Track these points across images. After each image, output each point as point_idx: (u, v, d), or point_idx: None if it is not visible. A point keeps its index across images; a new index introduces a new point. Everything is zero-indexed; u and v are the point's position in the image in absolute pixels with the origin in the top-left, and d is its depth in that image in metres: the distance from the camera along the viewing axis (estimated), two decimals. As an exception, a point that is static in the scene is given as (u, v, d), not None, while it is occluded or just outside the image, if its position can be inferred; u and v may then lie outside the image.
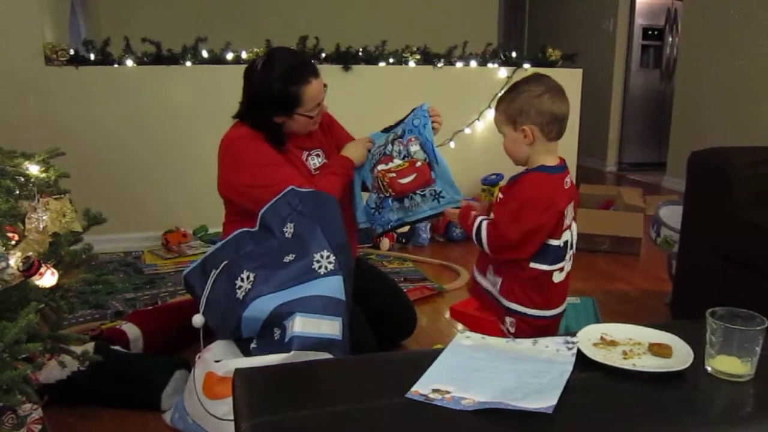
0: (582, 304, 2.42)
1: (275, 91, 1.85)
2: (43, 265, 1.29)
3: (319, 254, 1.70)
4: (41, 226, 1.37)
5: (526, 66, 3.93)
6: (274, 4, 5.30)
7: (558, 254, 1.57)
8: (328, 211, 1.78)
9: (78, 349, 1.57)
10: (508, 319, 1.61)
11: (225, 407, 1.56)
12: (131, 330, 2.08)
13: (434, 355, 1.21)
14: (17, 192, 1.38)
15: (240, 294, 1.72)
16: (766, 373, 1.11)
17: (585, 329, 1.28)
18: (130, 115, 3.38)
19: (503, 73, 3.92)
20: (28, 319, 1.18)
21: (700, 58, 4.83)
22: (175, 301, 2.60)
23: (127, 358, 1.94)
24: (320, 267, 1.69)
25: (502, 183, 3.70)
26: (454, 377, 1.12)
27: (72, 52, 3.23)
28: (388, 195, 1.95)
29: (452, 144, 3.86)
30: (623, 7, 5.90)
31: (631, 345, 1.23)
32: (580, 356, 1.17)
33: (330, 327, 1.63)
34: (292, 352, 1.57)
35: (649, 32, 5.95)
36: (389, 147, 1.99)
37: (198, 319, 1.79)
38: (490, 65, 3.94)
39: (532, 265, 1.56)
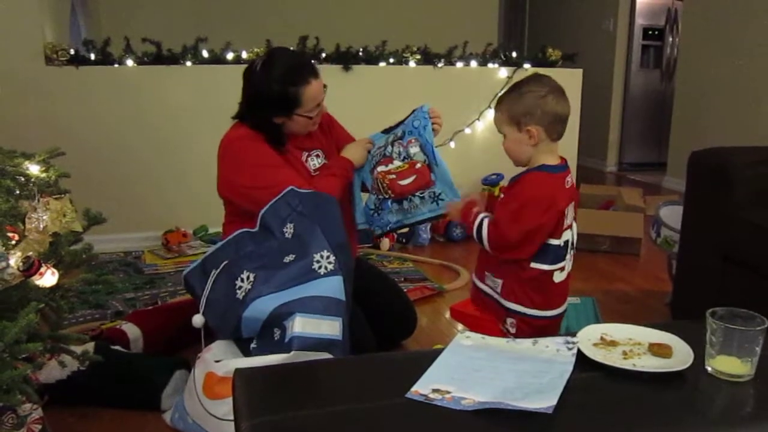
0: (582, 304, 2.42)
1: (275, 91, 1.85)
2: (43, 264, 1.29)
3: (319, 254, 1.70)
4: (41, 226, 1.37)
5: (527, 66, 3.93)
6: (274, 4, 5.30)
7: (558, 254, 1.58)
8: (328, 211, 1.78)
9: (78, 349, 1.58)
10: (508, 320, 1.61)
11: (225, 407, 1.56)
12: (131, 330, 2.08)
13: (434, 355, 1.21)
14: (17, 192, 1.38)
15: (240, 294, 1.72)
16: (766, 374, 1.11)
17: (585, 329, 1.28)
18: (130, 115, 3.38)
19: (503, 73, 3.92)
20: (28, 319, 1.18)
21: (701, 58, 4.83)
22: (175, 301, 2.60)
23: (127, 358, 1.94)
24: (320, 267, 1.69)
25: (503, 183, 3.70)
26: (454, 377, 1.12)
27: (72, 52, 3.23)
28: (387, 197, 1.95)
29: (452, 144, 3.86)
30: (623, 7, 5.90)
31: (631, 345, 1.23)
32: (580, 356, 1.17)
33: (330, 327, 1.63)
34: (292, 353, 1.57)
35: (650, 32, 5.95)
36: (389, 148, 1.99)
37: (198, 319, 1.79)
38: (490, 65, 3.94)
39: (533, 265, 1.56)
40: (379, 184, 1.96)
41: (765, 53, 4.26)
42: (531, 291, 1.58)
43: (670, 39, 5.97)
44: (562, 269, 1.60)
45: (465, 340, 1.29)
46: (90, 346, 1.75)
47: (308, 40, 3.49)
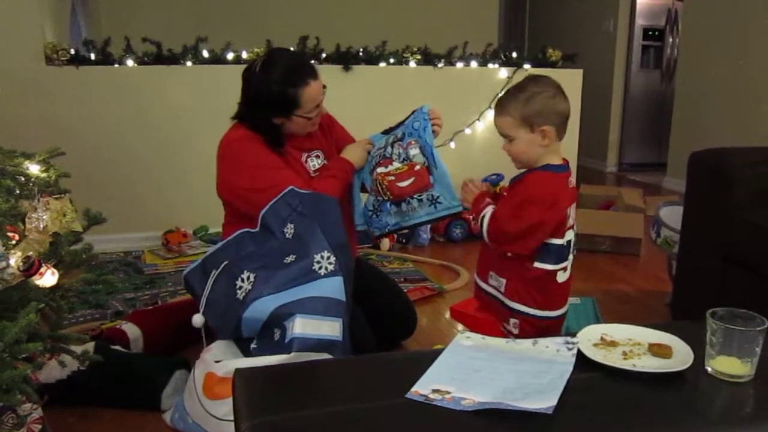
0: (582, 305, 2.42)
1: (274, 92, 1.85)
2: (43, 264, 1.29)
3: (319, 255, 1.70)
4: (41, 226, 1.37)
5: (527, 66, 3.93)
6: (275, 4, 5.30)
7: (561, 254, 1.58)
8: (328, 211, 1.78)
9: (78, 349, 1.57)
10: (512, 321, 1.61)
11: (225, 407, 1.56)
12: (131, 330, 2.08)
13: (434, 355, 1.21)
14: (17, 192, 1.38)
15: (240, 294, 1.72)
16: (766, 374, 1.11)
17: (585, 330, 1.28)
18: (131, 115, 3.38)
19: (503, 73, 3.92)
20: (28, 319, 1.18)
21: (701, 58, 4.84)
22: (175, 301, 2.60)
23: (127, 358, 1.94)
24: (320, 268, 1.69)
25: (503, 183, 3.69)
26: (454, 377, 1.12)
27: (72, 51, 3.23)
28: (386, 198, 1.95)
29: (452, 144, 3.86)
30: (623, 7, 5.90)
31: (631, 345, 1.23)
32: (581, 357, 1.17)
33: (330, 328, 1.63)
34: (293, 354, 1.57)
35: (650, 33, 5.95)
36: (389, 149, 1.98)
37: (198, 319, 1.79)
38: (490, 65, 3.94)
39: (537, 264, 1.57)
40: (378, 186, 1.95)
41: (765, 53, 4.26)
42: (535, 291, 1.58)
43: (670, 39, 5.98)
44: (565, 269, 1.60)
45: (465, 340, 1.29)
46: (90, 346, 1.75)
47: (308, 40, 3.49)
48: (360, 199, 2.08)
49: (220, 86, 3.12)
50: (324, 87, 1.93)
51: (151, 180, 3.45)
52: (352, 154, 2.02)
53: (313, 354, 1.58)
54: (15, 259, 1.24)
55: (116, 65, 3.31)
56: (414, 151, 1.94)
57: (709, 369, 1.13)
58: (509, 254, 1.59)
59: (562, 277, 1.60)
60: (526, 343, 1.27)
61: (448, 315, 2.51)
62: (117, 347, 1.98)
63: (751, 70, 4.37)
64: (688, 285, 2.33)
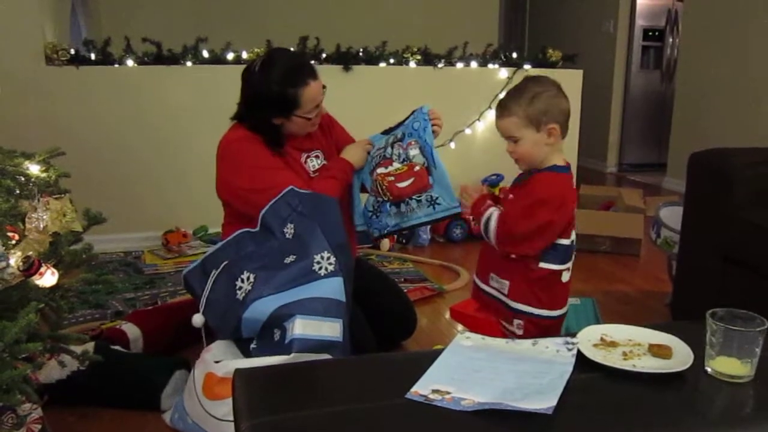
0: (582, 305, 2.42)
1: (273, 93, 1.85)
2: (43, 264, 1.29)
3: (319, 255, 1.70)
4: (41, 226, 1.37)
5: (527, 67, 3.93)
6: (275, 4, 5.30)
7: (567, 253, 1.59)
8: (328, 211, 1.78)
9: (78, 349, 1.57)
10: (515, 321, 1.61)
11: (225, 408, 1.56)
12: (131, 330, 2.08)
13: (434, 355, 1.21)
14: (17, 192, 1.38)
15: (240, 295, 1.72)
16: (765, 375, 1.11)
17: (585, 330, 1.28)
18: (131, 115, 3.38)
19: (504, 73, 3.92)
20: (28, 319, 1.18)
21: (701, 59, 4.84)
22: (175, 301, 2.60)
23: (127, 358, 1.94)
24: (320, 268, 1.69)
25: (503, 184, 3.69)
26: (454, 378, 1.12)
27: (72, 51, 3.23)
28: (386, 199, 1.95)
29: (452, 144, 3.86)
30: (623, 8, 5.90)
31: (631, 346, 1.23)
32: (580, 357, 1.17)
33: (330, 329, 1.63)
34: (293, 355, 1.57)
35: (650, 33, 5.95)
36: (389, 150, 1.98)
37: (198, 319, 1.79)
38: (490, 66, 3.94)
39: (542, 265, 1.57)
40: (378, 186, 1.95)
41: (765, 53, 4.26)
42: (539, 291, 1.59)
43: (670, 40, 5.97)
44: (569, 269, 1.61)
45: (465, 340, 1.29)
46: (90, 346, 1.75)
47: (308, 40, 3.49)
48: (360, 199, 2.08)
49: (220, 86, 3.12)
50: (324, 87, 1.93)
51: (151, 180, 3.45)
52: (352, 155, 2.02)
53: (313, 355, 1.58)
54: (15, 259, 1.24)
55: (116, 65, 3.32)
56: (414, 152, 1.94)
57: (709, 369, 1.13)
58: (513, 256, 1.59)
59: (566, 277, 1.61)
60: (525, 344, 1.27)
61: (447, 315, 2.51)
62: (117, 347, 1.98)
63: (751, 71, 4.37)
64: (688, 285, 2.33)
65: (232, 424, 1.07)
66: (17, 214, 1.33)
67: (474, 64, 3.92)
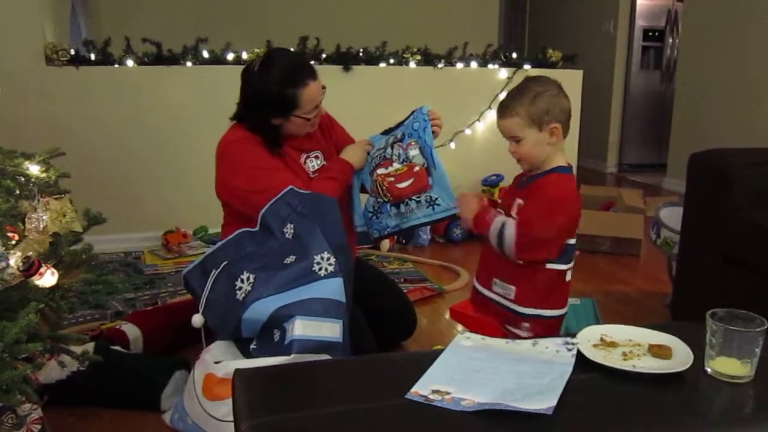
0: (582, 305, 2.41)
1: (272, 93, 1.85)
2: (43, 265, 1.29)
3: (319, 256, 1.69)
4: (41, 226, 1.37)
5: (527, 67, 3.93)
6: (275, 5, 5.30)
7: (572, 253, 1.60)
8: (328, 212, 1.78)
9: (78, 349, 1.57)
10: (523, 325, 1.60)
11: (224, 408, 1.56)
12: (131, 330, 2.08)
13: (434, 355, 1.21)
14: (17, 192, 1.38)
15: (240, 295, 1.72)
16: (765, 375, 1.11)
17: (585, 330, 1.28)
18: (131, 115, 3.38)
19: (504, 74, 3.92)
20: (28, 319, 1.18)
21: (701, 59, 4.84)
22: (175, 302, 2.60)
23: (126, 359, 1.94)
24: (320, 269, 1.69)
25: (503, 184, 3.70)
26: (454, 378, 1.12)
27: (72, 52, 3.24)
28: (386, 200, 1.95)
29: (452, 145, 3.86)
30: (623, 8, 5.90)
31: (630, 346, 1.23)
32: (580, 357, 1.17)
33: (330, 330, 1.63)
34: (293, 355, 1.57)
35: (650, 33, 5.95)
36: (389, 150, 1.98)
37: (198, 319, 1.79)
38: (490, 66, 3.94)
39: (550, 266, 1.57)
40: (378, 187, 1.95)
41: (765, 54, 4.26)
42: (547, 293, 1.59)
43: (670, 40, 5.98)
44: (572, 268, 1.62)
45: (465, 340, 1.29)
46: (90, 347, 1.75)
47: (308, 40, 3.50)
48: (360, 200, 2.08)
49: (220, 87, 3.12)
50: (323, 88, 1.93)
51: (151, 180, 3.45)
52: (352, 155, 2.01)
53: (313, 356, 1.58)
54: (15, 260, 1.24)
55: (116, 65, 3.31)
56: (413, 152, 1.94)
57: (709, 370, 1.13)
58: (521, 261, 1.57)
59: (569, 276, 1.62)
60: (525, 344, 1.27)
61: (447, 315, 2.51)
62: (117, 347, 1.98)
63: (751, 71, 4.38)
64: (688, 286, 2.33)
65: (232, 424, 1.07)
66: (17, 215, 1.33)
67: (474, 65, 3.92)
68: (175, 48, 3.38)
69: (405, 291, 2.42)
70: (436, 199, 1.91)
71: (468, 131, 3.92)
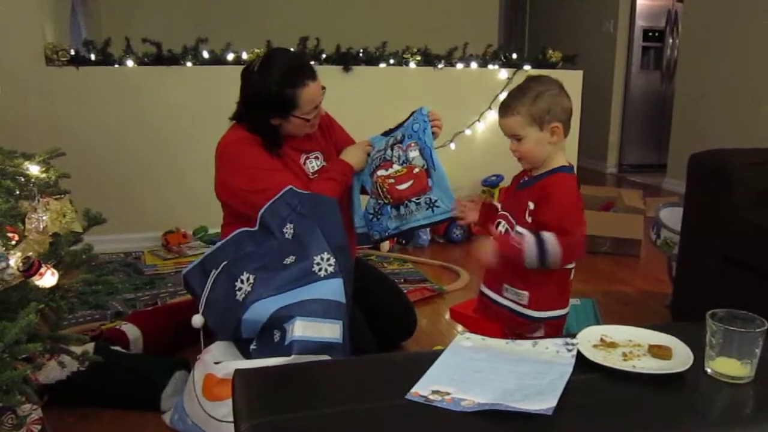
0: (582, 306, 2.42)
1: (272, 93, 1.84)
2: (43, 265, 1.29)
3: (319, 257, 1.69)
4: (41, 227, 1.37)
5: (527, 67, 3.93)
6: (275, 5, 5.30)
7: None
8: (328, 212, 1.78)
9: (78, 350, 1.57)
10: (537, 332, 1.59)
11: (224, 409, 1.56)
12: (131, 330, 2.08)
13: (434, 356, 1.21)
14: (17, 192, 1.38)
15: (240, 296, 1.72)
16: (765, 375, 1.11)
17: (585, 331, 1.28)
18: (131, 115, 3.38)
19: (504, 74, 3.92)
20: (28, 320, 1.18)
21: (701, 59, 4.84)
22: (175, 302, 2.60)
23: (126, 359, 1.94)
24: (320, 269, 1.69)
25: (503, 184, 3.70)
26: (454, 378, 1.12)
27: (72, 52, 3.24)
28: (386, 201, 1.95)
29: (453, 145, 3.85)
30: (623, 8, 5.90)
31: (631, 347, 1.23)
32: (580, 358, 1.17)
33: (330, 330, 1.63)
34: (293, 356, 1.57)
35: (650, 34, 5.95)
36: (389, 152, 1.98)
37: (198, 320, 1.79)
38: (490, 66, 3.94)
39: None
40: (379, 189, 1.95)
41: (765, 54, 4.26)
42: (557, 293, 1.60)
43: (671, 41, 5.98)
44: (574, 266, 1.63)
45: (465, 341, 1.29)
46: (90, 347, 1.75)
47: (308, 40, 3.50)
48: (359, 201, 2.08)
49: (220, 87, 3.11)
50: (323, 88, 1.93)
51: (151, 180, 3.45)
52: (352, 157, 2.01)
53: (313, 356, 1.58)
54: (15, 260, 1.24)
55: (116, 66, 3.32)
56: (413, 154, 1.94)
57: (709, 370, 1.13)
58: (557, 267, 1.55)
59: (572, 274, 1.62)
60: (526, 345, 1.27)
61: (447, 316, 2.51)
62: (117, 348, 1.98)
63: (751, 71, 4.38)
64: (688, 286, 2.33)
65: (232, 425, 1.07)
66: (17, 215, 1.33)
67: (474, 65, 3.92)
68: (175, 48, 3.38)
69: (405, 291, 2.42)
70: (436, 201, 1.91)
71: (468, 132, 3.92)
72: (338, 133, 2.17)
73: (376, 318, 1.99)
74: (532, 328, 1.60)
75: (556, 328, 1.60)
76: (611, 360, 1.17)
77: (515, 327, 1.60)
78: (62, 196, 1.47)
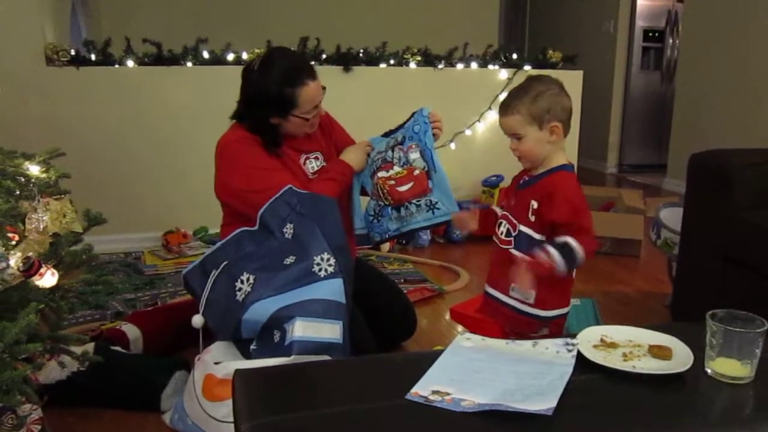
0: (582, 306, 2.42)
1: (271, 92, 1.84)
2: (43, 265, 1.29)
3: (319, 257, 1.69)
4: (41, 227, 1.37)
5: (527, 68, 3.93)
6: (275, 5, 5.30)
7: None
8: (328, 212, 1.78)
9: (78, 350, 1.57)
10: (542, 332, 1.60)
11: (224, 409, 1.56)
12: (131, 330, 2.08)
13: (434, 356, 1.21)
14: (18, 192, 1.38)
15: (240, 296, 1.72)
16: (765, 376, 1.11)
17: (585, 331, 1.28)
18: (131, 115, 3.38)
19: (504, 74, 3.92)
20: (28, 320, 1.18)
21: (701, 59, 4.84)
22: (175, 302, 2.60)
23: (126, 359, 1.94)
24: (320, 270, 1.69)
25: (503, 185, 3.70)
26: (454, 379, 1.12)
27: (73, 52, 3.24)
28: (387, 203, 1.95)
29: (453, 145, 3.85)
30: (624, 8, 5.90)
31: (631, 347, 1.23)
32: (580, 358, 1.17)
33: (331, 331, 1.63)
34: (293, 356, 1.57)
35: (650, 34, 5.95)
36: (389, 153, 1.98)
37: (198, 320, 1.79)
38: (490, 67, 3.94)
39: None
40: (379, 190, 1.95)
41: (765, 54, 4.26)
42: (562, 292, 1.60)
43: (671, 41, 5.98)
44: None
45: (465, 341, 1.29)
46: (90, 347, 1.75)
47: (308, 41, 3.50)
48: (359, 202, 2.08)
49: (220, 87, 3.11)
50: (324, 88, 1.93)
51: (151, 180, 3.45)
52: (353, 158, 2.01)
53: (313, 357, 1.58)
54: (15, 260, 1.24)
55: (116, 66, 3.32)
56: (414, 156, 1.94)
57: (709, 371, 1.13)
58: None
59: (574, 273, 1.62)
60: (526, 345, 1.27)
61: (448, 316, 2.51)
62: (117, 348, 1.98)
63: (751, 72, 4.38)
64: (688, 286, 2.33)
65: (232, 425, 1.07)
66: (17, 215, 1.33)
67: (474, 65, 3.92)
68: (175, 48, 3.38)
69: (405, 291, 2.42)
70: (436, 203, 1.91)
71: (468, 132, 3.92)
72: (338, 133, 2.17)
73: (376, 318, 1.99)
74: (538, 328, 1.60)
75: (559, 327, 1.61)
76: (611, 360, 1.17)
77: (520, 327, 1.61)
78: (62, 196, 1.47)
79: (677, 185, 4.93)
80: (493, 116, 3.76)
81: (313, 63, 2.22)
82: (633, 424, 1.01)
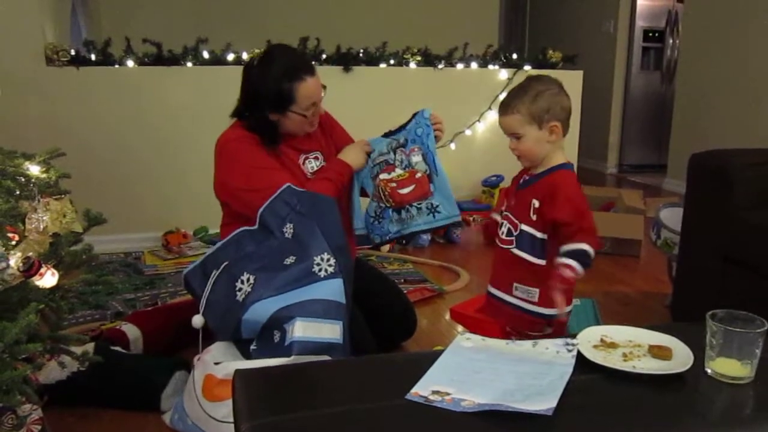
0: (582, 306, 2.42)
1: (269, 87, 1.84)
2: (43, 265, 1.29)
3: (319, 257, 1.69)
4: (41, 227, 1.37)
5: (527, 68, 3.93)
6: (275, 5, 5.30)
7: None
8: (327, 212, 1.77)
9: (78, 350, 1.57)
10: (546, 330, 1.60)
11: (224, 409, 1.56)
12: (131, 331, 2.08)
13: (434, 356, 1.21)
14: (18, 192, 1.38)
15: (240, 296, 1.72)
16: (765, 376, 1.11)
17: (585, 331, 1.28)
18: (131, 115, 3.38)
19: (504, 74, 3.92)
20: (28, 320, 1.18)
21: (701, 60, 4.84)
22: (175, 302, 2.60)
23: (126, 359, 1.94)
24: (320, 270, 1.69)
25: (503, 185, 3.70)
26: (454, 379, 1.12)
27: (73, 52, 3.24)
28: (388, 205, 1.95)
29: (453, 146, 3.86)
30: (624, 9, 5.90)
31: (631, 347, 1.23)
32: (580, 358, 1.17)
33: (331, 331, 1.63)
34: (293, 357, 1.57)
35: (650, 34, 5.95)
36: (391, 155, 1.99)
37: (198, 320, 1.79)
38: (490, 67, 3.95)
39: None
40: (381, 192, 1.95)
41: (765, 54, 4.26)
42: (565, 290, 1.59)
43: (671, 41, 5.98)
44: None
45: (465, 341, 1.29)
46: (90, 347, 1.75)
47: (308, 41, 3.50)
48: (359, 202, 2.08)
49: (220, 87, 3.11)
50: (324, 87, 1.93)
51: (151, 180, 3.45)
52: (352, 157, 2.01)
53: (313, 357, 1.58)
54: (15, 260, 1.24)
55: (116, 66, 3.32)
56: (416, 158, 1.94)
57: (709, 371, 1.13)
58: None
59: None
60: (526, 345, 1.27)
61: (448, 316, 2.51)
62: (117, 348, 1.98)
63: (751, 72, 4.37)
64: (688, 286, 2.33)
65: (232, 425, 1.07)
66: (17, 215, 1.33)
67: (474, 65, 3.92)
68: (175, 48, 3.38)
69: (405, 291, 2.42)
70: (437, 206, 1.91)
71: (468, 132, 3.92)
72: (338, 133, 2.16)
73: (376, 318, 1.99)
74: (541, 326, 1.61)
75: (561, 325, 1.61)
76: (611, 360, 1.17)
77: (524, 326, 1.61)
78: (62, 196, 1.47)
79: (677, 185, 4.93)
80: (493, 116, 3.77)
81: (313, 63, 2.22)
82: (633, 424, 1.01)
